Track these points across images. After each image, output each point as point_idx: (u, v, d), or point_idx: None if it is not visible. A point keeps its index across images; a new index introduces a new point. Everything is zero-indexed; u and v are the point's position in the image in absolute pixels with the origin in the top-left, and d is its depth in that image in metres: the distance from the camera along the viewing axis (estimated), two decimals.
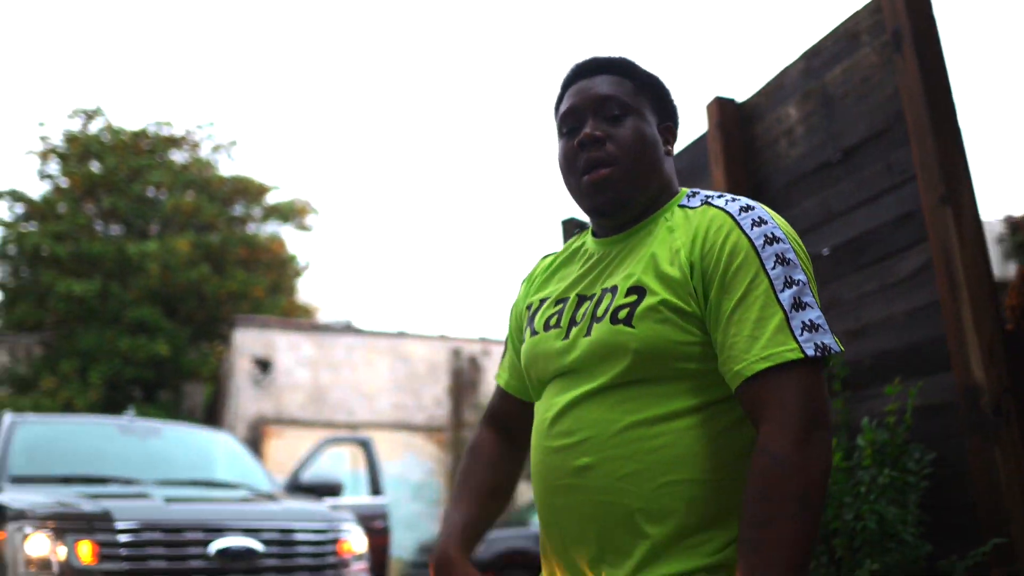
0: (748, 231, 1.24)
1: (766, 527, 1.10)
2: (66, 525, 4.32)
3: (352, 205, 49.15)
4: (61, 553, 4.23)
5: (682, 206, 1.35)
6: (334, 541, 5.10)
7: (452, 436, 13.43)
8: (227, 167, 20.33)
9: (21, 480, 5.29)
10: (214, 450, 6.69)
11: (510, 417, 1.55)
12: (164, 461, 6.12)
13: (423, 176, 56.58)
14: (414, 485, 13.23)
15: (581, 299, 1.35)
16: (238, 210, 19.56)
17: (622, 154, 1.33)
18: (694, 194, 1.39)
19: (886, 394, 2.43)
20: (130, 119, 23.73)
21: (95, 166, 18.41)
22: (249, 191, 19.40)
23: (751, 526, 1.11)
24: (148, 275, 16.70)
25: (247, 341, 12.75)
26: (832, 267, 3.12)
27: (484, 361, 14.00)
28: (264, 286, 17.82)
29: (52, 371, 16.42)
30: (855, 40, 3.12)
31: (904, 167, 2.83)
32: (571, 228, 4.93)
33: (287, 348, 13.15)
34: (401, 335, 14.27)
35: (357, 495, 9.86)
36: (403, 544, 12.04)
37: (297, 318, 17.27)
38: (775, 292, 1.20)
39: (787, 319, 1.19)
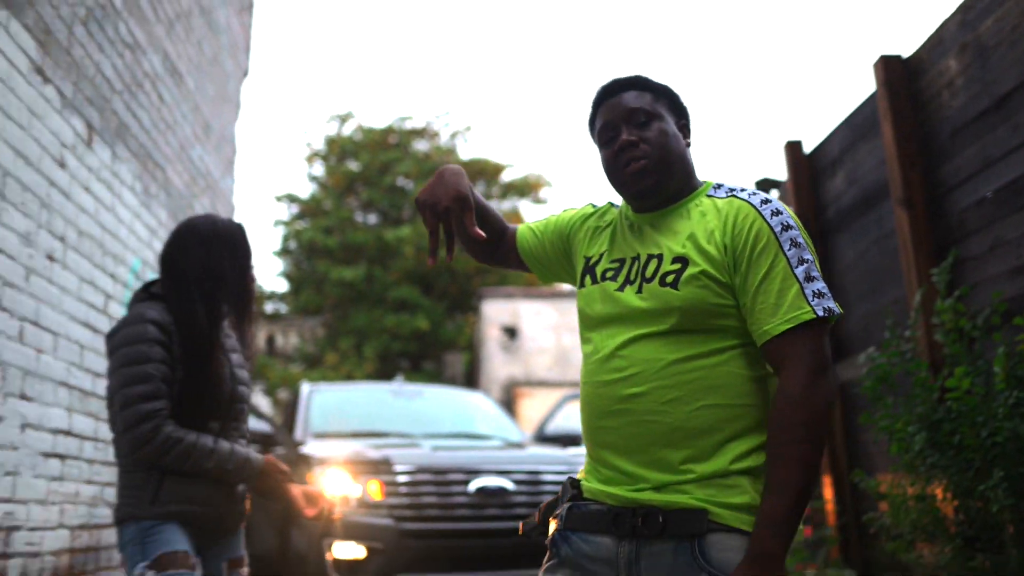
0: (768, 220, 1.62)
1: (783, 447, 1.53)
2: (358, 469, 5.34)
3: (583, 173, 49.89)
4: (356, 491, 5.28)
5: (710, 196, 1.75)
6: None
7: None
8: (465, 151, 21.82)
9: (320, 435, 6.47)
10: (471, 408, 7.65)
11: (503, 241, 1.92)
12: (429, 418, 7.15)
13: None
14: None
15: (631, 261, 1.69)
16: (478, 190, 20.95)
17: (653, 149, 1.69)
18: (719, 186, 1.79)
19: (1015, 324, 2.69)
20: (378, 118, 25.94)
21: (352, 164, 20.54)
22: (486, 171, 20.73)
23: (772, 447, 1.54)
24: (404, 258, 18.45)
25: (494, 312, 13.86)
26: (995, 210, 3.31)
27: None
28: None
29: (333, 348, 18.70)
30: None
31: None
32: (764, 188, 5.26)
33: (531, 315, 14.10)
34: None
35: None
36: None
37: (540, 286, 18.37)
38: (791, 268, 1.57)
39: (802, 289, 1.55)
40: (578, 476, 1.72)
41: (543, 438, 7.48)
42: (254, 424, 6.62)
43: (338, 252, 19.08)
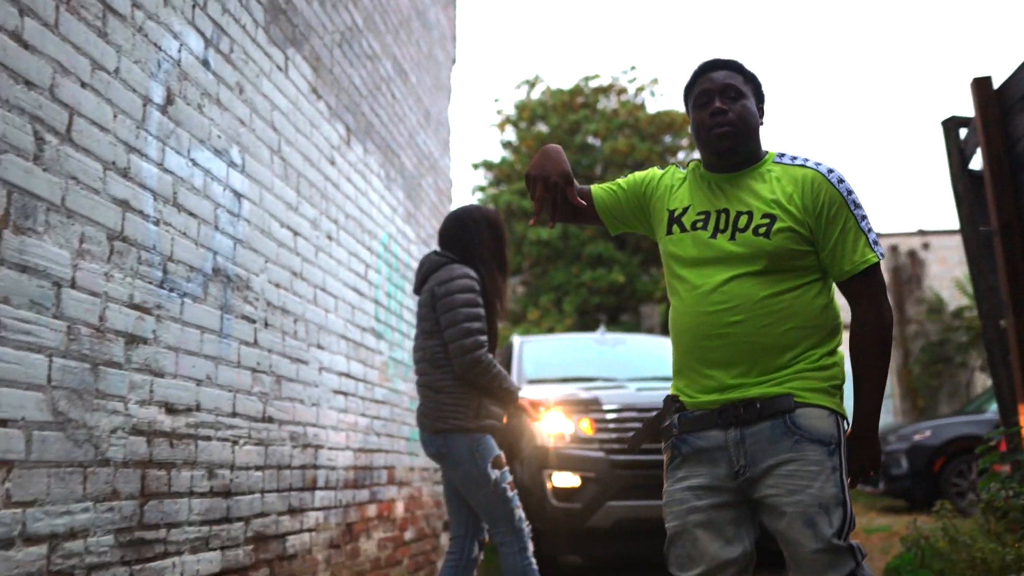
0: (837, 187, 2.12)
1: (869, 357, 2.09)
2: (571, 408, 6.01)
3: (770, 122, 47.79)
4: (570, 428, 5.96)
5: (777, 162, 2.23)
6: None
7: (898, 332, 13.54)
8: (652, 105, 21.93)
9: (533, 381, 7.22)
10: (670, 354, 8.15)
11: (584, 199, 2.29)
12: (631, 363, 7.73)
13: (845, 64, 52.92)
14: None
15: (718, 214, 2.13)
16: (667, 141, 21.07)
17: (737, 119, 2.14)
18: (781, 155, 2.27)
19: None
20: (564, 80, 26.47)
21: (542, 127, 21.25)
22: (674, 123, 20.76)
23: (860, 358, 2.10)
24: None
25: None
26: None
27: (924, 255, 13.77)
28: None
29: (534, 305, 19.64)
30: None
31: None
32: (952, 126, 5.35)
33: None
34: None
35: None
36: None
37: None
38: (858, 224, 2.09)
39: (867, 239, 2.08)
40: (672, 394, 2.21)
41: None
42: None
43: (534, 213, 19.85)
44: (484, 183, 21.70)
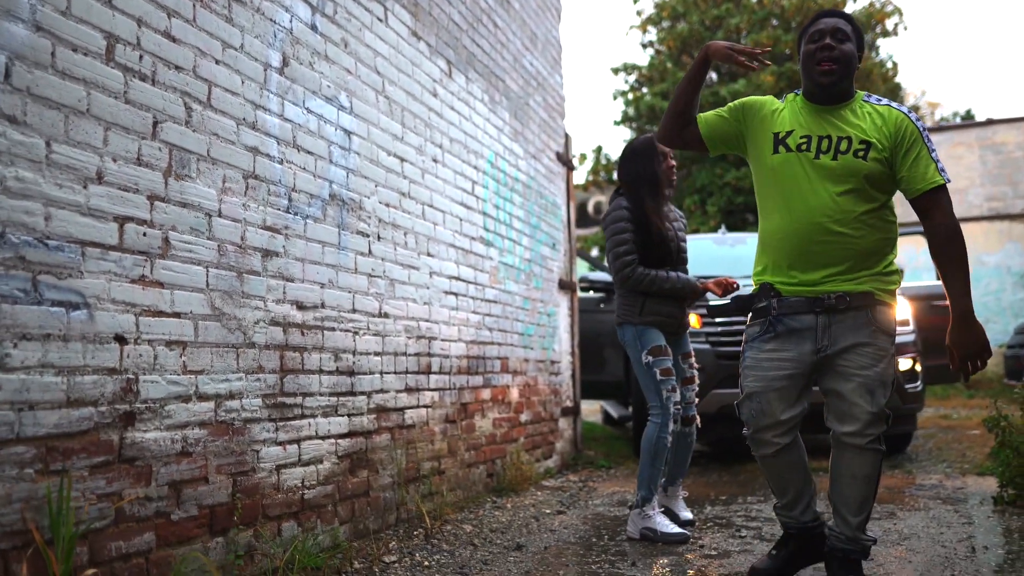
0: (916, 124, 2.64)
1: (952, 257, 2.58)
2: None
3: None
4: None
5: (866, 101, 2.71)
6: None
7: None
8: None
9: None
10: None
11: (693, 129, 2.86)
12: (748, 262, 8.05)
13: None
14: (1018, 274, 13.19)
15: (820, 138, 2.66)
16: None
17: (841, 57, 2.68)
18: (869, 96, 2.74)
19: None
20: None
21: (683, 25, 20.90)
22: (826, 3, 19.92)
23: (940, 256, 2.60)
24: None
25: None
26: None
27: None
28: None
29: (679, 206, 19.81)
30: None
31: None
32: None
33: None
34: (989, 123, 13.89)
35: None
36: (1010, 331, 12.33)
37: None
38: (930, 153, 2.63)
39: (936, 166, 2.61)
40: (767, 282, 2.74)
41: None
42: (598, 275, 8.06)
43: None
44: (625, 87, 21.73)
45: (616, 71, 21.66)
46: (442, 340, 4.47)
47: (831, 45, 2.65)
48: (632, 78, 21.66)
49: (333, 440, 3.45)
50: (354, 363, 3.64)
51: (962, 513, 4.30)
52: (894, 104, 2.69)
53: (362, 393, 3.69)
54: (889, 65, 20.24)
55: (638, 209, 3.94)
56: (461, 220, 4.79)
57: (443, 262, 4.53)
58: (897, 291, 2.70)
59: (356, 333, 3.67)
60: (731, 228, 18.77)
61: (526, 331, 5.68)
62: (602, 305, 8.02)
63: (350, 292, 3.64)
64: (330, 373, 3.47)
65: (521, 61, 5.94)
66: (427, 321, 4.31)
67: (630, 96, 21.36)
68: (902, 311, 6.63)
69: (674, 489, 4.16)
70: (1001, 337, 12.74)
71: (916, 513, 4.32)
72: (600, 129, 40.65)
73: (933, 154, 2.62)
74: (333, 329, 3.50)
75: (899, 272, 2.72)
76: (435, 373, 4.38)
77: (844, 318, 2.64)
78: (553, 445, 6.15)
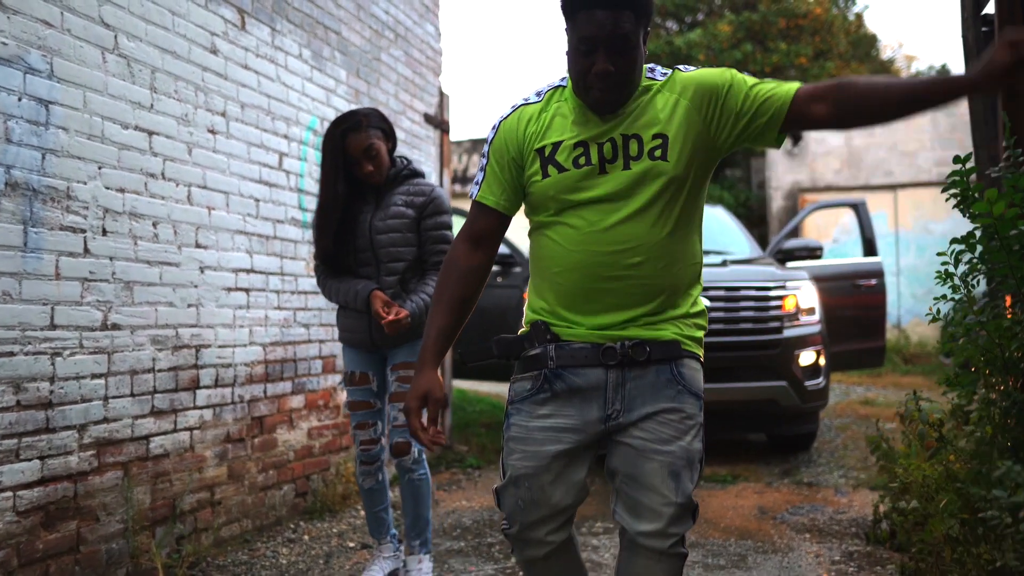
0: (719, 71, 1.93)
1: (873, 84, 1.81)
2: None
3: None
4: None
5: (650, 78, 1.94)
6: (779, 297, 5.80)
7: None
8: None
9: None
10: (707, 224, 7.68)
11: (487, 232, 2.03)
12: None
13: None
14: None
15: (600, 145, 1.88)
16: None
17: (622, 78, 1.86)
18: (652, 68, 1.97)
19: None
20: None
21: None
22: None
23: (882, 84, 1.80)
24: (697, 62, 17.86)
25: None
26: None
27: None
28: (807, 54, 17.68)
29: None
30: None
31: None
32: None
33: None
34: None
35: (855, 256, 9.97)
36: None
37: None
38: (752, 81, 1.94)
39: (776, 81, 1.94)
40: (541, 320, 2.01)
41: (780, 251, 7.37)
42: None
43: None
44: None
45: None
46: (219, 347, 3.76)
47: (607, 72, 1.84)
48: None
49: (9, 493, 2.76)
50: (52, 393, 2.93)
51: (824, 558, 3.69)
52: (671, 69, 1.95)
53: (68, 428, 2.99)
54: (852, 17, 19.38)
55: (325, 195, 3.20)
56: (259, 201, 4.05)
57: (224, 253, 3.79)
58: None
59: (57, 355, 2.95)
60: None
61: None
62: (499, 279, 7.35)
63: (45, 304, 2.90)
64: (6, 410, 2.76)
65: (369, 8, 5.13)
66: (193, 327, 3.59)
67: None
68: (807, 297, 5.98)
69: (412, 553, 3.26)
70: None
71: (771, 558, 3.71)
72: (554, 61, 39.31)
73: (747, 75, 1.91)
74: (11, 354, 2.78)
75: (706, 312, 2.04)
76: (206, 387, 3.67)
77: (642, 375, 1.94)
78: None
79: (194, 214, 3.60)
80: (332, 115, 4.64)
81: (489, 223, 2.03)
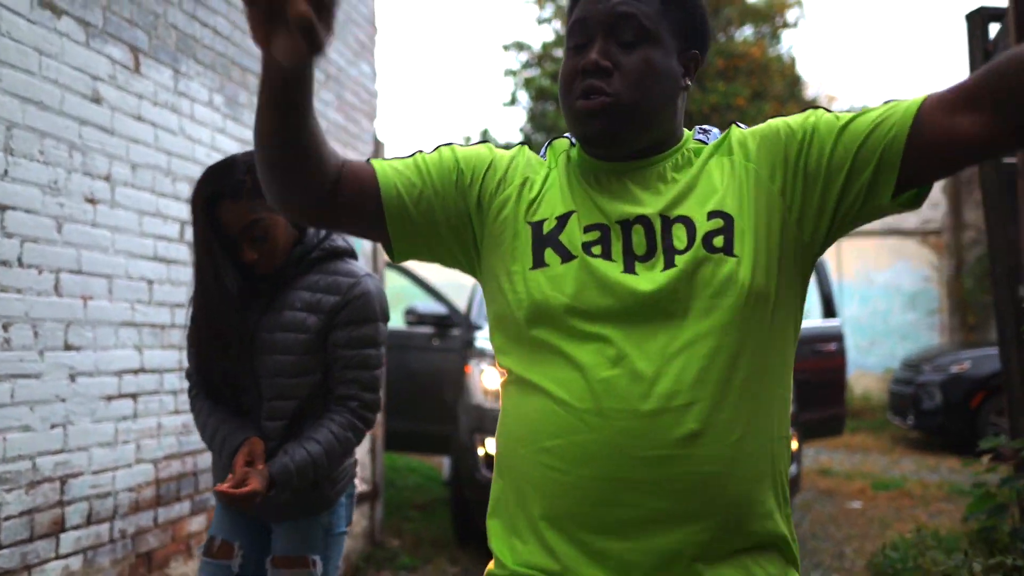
0: (775, 122, 1.28)
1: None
2: None
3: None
4: None
5: (701, 141, 1.30)
6: None
7: (951, 239, 12.17)
8: None
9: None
10: None
11: (356, 180, 1.26)
12: None
13: None
14: (908, 294, 12.43)
15: (625, 226, 1.22)
16: (709, 13, 19.21)
17: (627, 90, 1.21)
18: (705, 130, 1.32)
19: None
20: None
21: None
22: None
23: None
24: None
25: None
26: None
27: None
28: (745, 95, 17.52)
29: None
30: None
31: None
32: (979, 22, 4.10)
33: None
34: None
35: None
36: (896, 354, 11.57)
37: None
38: (849, 115, 1.27)
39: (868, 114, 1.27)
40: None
41: None
42: (431, 307, 6.65)
43: None
44: (516, 67, 20.23)
45: (507, 48, 20.17)
46: (94, 473, 2.96)
47: (602, 67, 1.20)
48: (523, 57, 20.21)
49: None
50: None
51: None
52: (739, 125, 1.31)
53: None
54: (787, 60, 19.38)
55: (204, 293, 2.15)
56: (152, 283, 3.27)
57: (105, 353, 3.01)
58: None
59: None
60: None
61: None
62: (435, 341, 6.65)
63: None
64: None
65: None
66: (58, 453, 2.79)
67: (521, 76, 19.91)
68: None
69: None
70: (887, 361, 11.98)
71: None
72: (490, 110, 39.05)
73: (836, 113, 1.23)
74: None
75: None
76: (75, 528, 2.87)
77: None
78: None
79: (63, 308, 2.82)
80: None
81: (365, 178, 1.27)
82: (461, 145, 1.33)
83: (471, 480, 5.14)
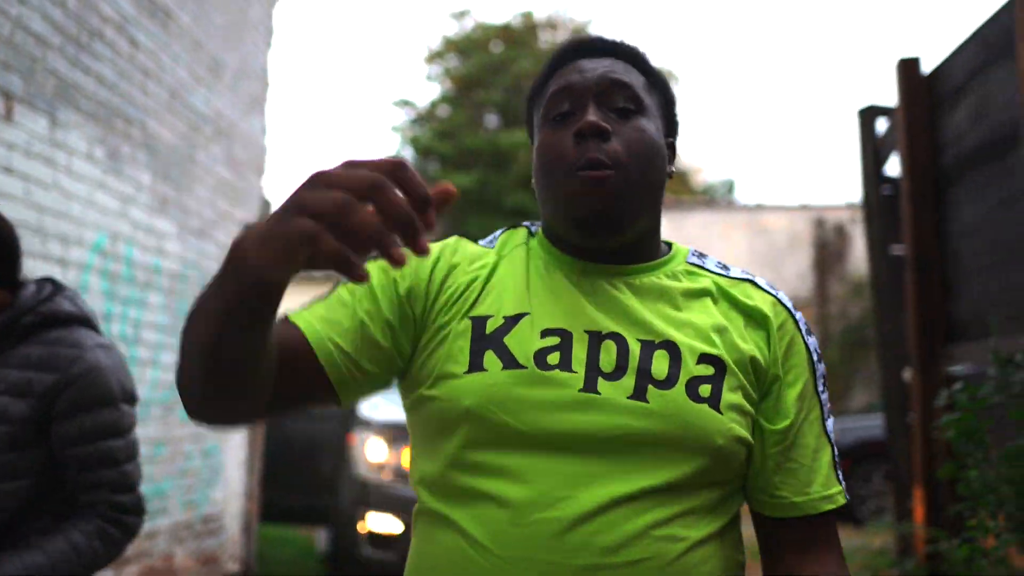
0: (805, 337, 1.09)
1: None
2: (397, 435, 4.97)
3: (713, 70, 46.87)
4: (394, 458, 4.91)
5: (696, 264, 1.12)
6: None
7: (818, 312, 12.77)
8: None
9: None
10: None
11: (286, 352, 0.98)
12: None
13: (782, 34, 52.06)
14: None
15: (595, 338, 1.02)
16: None
17: (629, 159, 1.03)
18: (702, 255, 1.15)
19: None
20: (496, 14, 24.97)
21: (469, 64, 19.80)
22: None
23: None
24: (520, 163, 17.80)
25: None
26: None
27: (852, 229, 12.95)
28: None
29: None
30: None
31: None
32: (870, 117, 4.30)
33: None
34: (759, 208, 13.66)
35: None
36: None
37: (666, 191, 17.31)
38: (824, 420, 1.08)
39: (833, 457, 1.08)
40: None
41: None
42: None
43: (453, 157, 18.65)
44: (401, 123, 20.26)
45: (397, 104, 20.21)
46: None
47: (602, 128, 1.02)
48: (411, 115, 20.27)
49: None
50: None
51: None
52: (764, 282, 1.14)
53: None
54: None
55: None
56: None
57: None
58: None
59: None
60: None
61: (156, 490, 3.87)
62: (312, 410, 6.35)
63: None
64: None
65: (186, 97, 4.17)
66: None
67: (407, 133, 19.94)
68: None
69: None
70: None
71: None
72: None
73: (828, 423, 1.08)
74: None
75: None
76: None
77: None
78: None
79: None
80: (128, 230, 3.61)
81: (293, 346, 1.00)
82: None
83: (351, 558, 4.88)
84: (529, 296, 1.06)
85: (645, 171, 1.05)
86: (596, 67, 1.08)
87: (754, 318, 1.08)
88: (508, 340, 1.01)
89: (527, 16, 20.16)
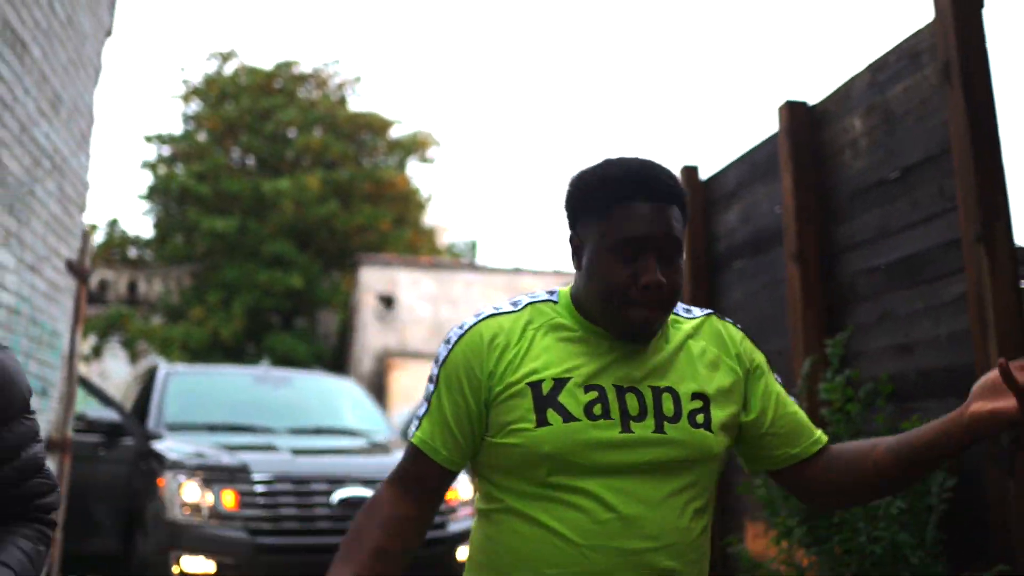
0: (754, 346, 1.59)
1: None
2: (212, 476, 4.98)
3: (473, 135, 49.27)
4: (209, 499, 4.93)
5: (676, 314, 1.56)
6: None
7: None
8: (353, 103, 21.01)
9: (174, 427, 6.03)
10: (340, 397, 7.27)
11: (426, 480, 1.46)
12: (295, 409, 6.77)
13: (543, 106, 55.93)
14: None
15: (621, 392, 1.41)
16: (364, 144, 20.26)
17: (672, 298, 1.43)
18: (688, 310, 1.62)
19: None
20: (262, 59, 24.65)
21: (231, 107, 19.45)
22: (373, 126, 20.05)
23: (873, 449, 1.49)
24: (282, 211, 17.68)
25: (372, 279, 13.49)
26: (887, 282, 3.23)
27: None
28: (390, 219, 18.58)
29: (200, 301, 17.83)
30: (916, 60, 3.13)
31: (953, 195, 2.88)
32: (691, 176, 4.90)
33: (409, 285, 13.81)
34: (517, 271, 14.69)
35: None
36: None
37: (421, 249, 18.02)
38: (786, 393, 1.61)
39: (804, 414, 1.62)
40: None
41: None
42: (103, 413, 6.14)
43: (211, 200, 18.12)
44: (156, 160, 19.37)
45: (150, 139, 19.29)
46: None
47: (659, 282, 1.40)
48: (166, 151, 19.45)
49: None
50: None
51: None
52: (713, 312, 1.60)
53: None
54: (425, 195, 20.99)
55: None
56: None
57: None
58: None
59: None
60: (255, 333, 17.32)
61: None
62: (101, 452, 6.10)
63: None
64: None
65: (32, 131, 4.13)
66: None
67: (161, 170, 19.08)
68: (467, 488, 5.91)
69: None
70: None
71: None
72: (119, 200, 36.61)
73: (782, 386, 1.59)
74: None
75: None
76: None
77: None
78: None
79: None
80: None
81: (428, 472, 1.45)
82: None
83: None
84: (566, 355, 1.44)
85: (679, 299, 1.45)
86: (664, 219, 1.41)
87: (723, 341, 1.55)
88: (562, 399, 1.40)
89: (291, 65, 20.21)
